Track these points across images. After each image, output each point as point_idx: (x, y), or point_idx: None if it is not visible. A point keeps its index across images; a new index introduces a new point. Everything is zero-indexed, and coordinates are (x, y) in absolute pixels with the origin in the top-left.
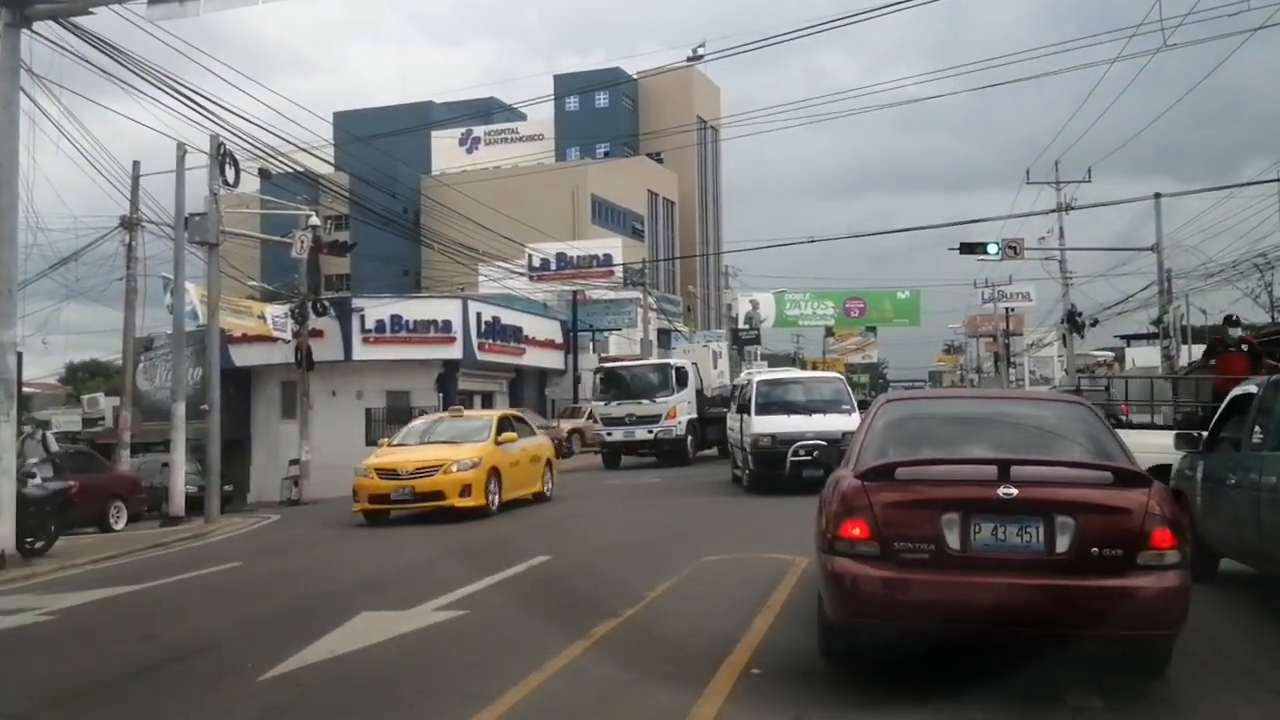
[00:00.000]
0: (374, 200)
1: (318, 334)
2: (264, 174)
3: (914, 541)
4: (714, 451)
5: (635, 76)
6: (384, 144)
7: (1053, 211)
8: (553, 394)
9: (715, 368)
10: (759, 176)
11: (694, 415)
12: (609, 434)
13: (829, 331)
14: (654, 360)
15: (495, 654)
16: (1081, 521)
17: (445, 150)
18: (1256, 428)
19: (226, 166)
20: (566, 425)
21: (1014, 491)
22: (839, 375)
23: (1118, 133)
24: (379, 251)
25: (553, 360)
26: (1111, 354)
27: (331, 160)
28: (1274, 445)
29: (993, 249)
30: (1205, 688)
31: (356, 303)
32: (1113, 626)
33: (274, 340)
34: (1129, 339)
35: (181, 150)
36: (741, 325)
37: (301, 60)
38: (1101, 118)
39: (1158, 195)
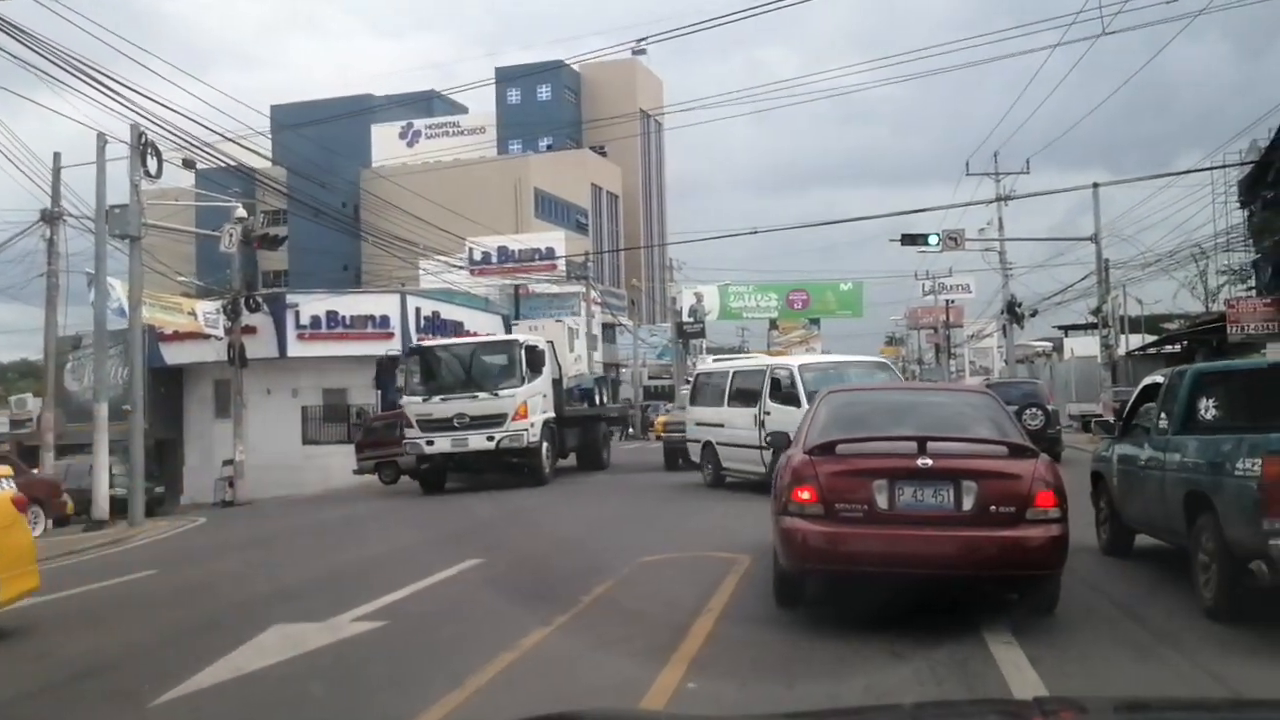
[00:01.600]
0: (312, 194)
1: (250, 330)
2: (188, 164)
3: (851, 503)
4: (572, 461)
5: (575, 65)
6: (323, 137)
7: (992, 202)
8: None
9: (572, 350)
10: (703, 171)
11: (551, 414)
12: (429, 443)
13: (773, 324)
14: (492, 336)
15: (414, 670)
16: (982, 485)
17: (386, 143)
18: (1163, 414)
19: (148, 156)
20: None
21: (929, 462)
22: (887, 359)
23: (1056, 125)
24: (318, 246)
25: None
26: (1050, 344)
27: (269, 154)
28: (1177, 430)
29: (933, 240)
30: (1144, 670)
31: (291, 298)
32: (1008, 569)
33: (206, 338)
34: (1067, 329)
35: (102, 141)
36: (686, 318)
37: (242, 55)
38: (1040, 108)
39: (1095, 184)
